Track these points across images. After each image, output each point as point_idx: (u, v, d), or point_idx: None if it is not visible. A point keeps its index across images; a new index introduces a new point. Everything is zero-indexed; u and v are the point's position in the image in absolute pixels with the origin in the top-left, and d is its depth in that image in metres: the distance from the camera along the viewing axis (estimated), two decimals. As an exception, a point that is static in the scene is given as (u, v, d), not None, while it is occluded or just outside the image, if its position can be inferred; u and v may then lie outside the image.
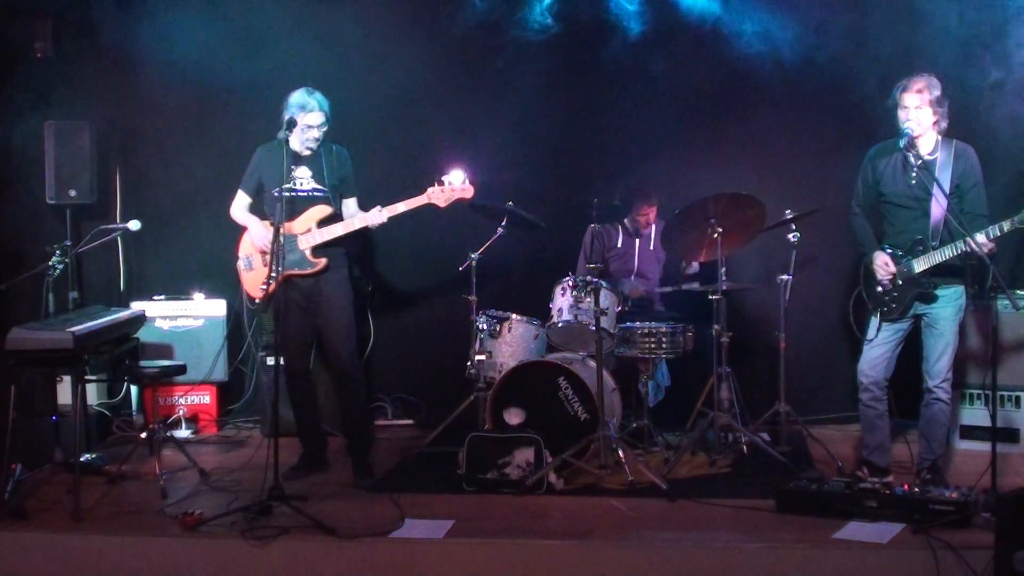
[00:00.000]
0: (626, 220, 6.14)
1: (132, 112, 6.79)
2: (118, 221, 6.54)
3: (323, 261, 5.37)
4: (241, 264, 5.53)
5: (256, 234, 5.42)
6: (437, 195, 5.36)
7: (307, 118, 5.26)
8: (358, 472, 5.42)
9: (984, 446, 5.08)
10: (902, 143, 4.74)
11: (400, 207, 5.37)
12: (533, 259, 6.46)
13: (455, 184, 5.37)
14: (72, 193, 6.44)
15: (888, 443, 5.06)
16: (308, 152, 5.40)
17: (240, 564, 4.35)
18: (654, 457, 5.52)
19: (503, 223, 5.75)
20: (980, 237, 4.52)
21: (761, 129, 6.46)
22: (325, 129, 5.36)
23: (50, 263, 5.54)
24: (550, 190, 6.44)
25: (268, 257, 5.22)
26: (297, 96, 5.28)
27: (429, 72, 6.61)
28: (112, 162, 6.78)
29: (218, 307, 6.63)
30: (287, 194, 5.31)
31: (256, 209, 5.53)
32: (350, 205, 5.53)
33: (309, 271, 5.37)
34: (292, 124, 5.15)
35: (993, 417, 4.71)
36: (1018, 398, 5.64)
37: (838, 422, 6.24)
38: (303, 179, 5.39)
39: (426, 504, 4.82)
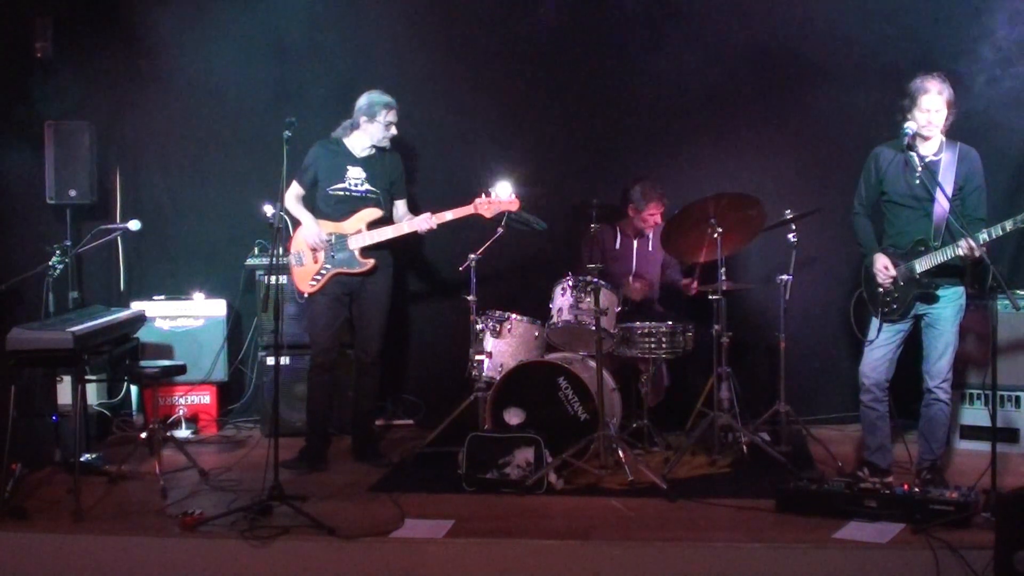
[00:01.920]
0: (624, 221, 6.12)
1: (132, 112, 6.78)
2: (118, 221, 6.53)
3: (371, 262, 5.52)
4: (292, 259, 5.63)
5: (308, 231, 5.54)
6: (483, 206, 5.53)
7: (390, 114, 5.51)
8: (370, 456, 5.61)
9: (984, 446, 5.08)
10: (904, 142, 4.74)
11: (448, 215, 5.55)
12: (533, 259, 6.45)
13: (501, 196, 5.54)
14: (72, 193, 6.43)
15: (889, 444, 5.06)
16: (370, 152, 5.57)
17: (240, 564, 4.35)
18: (654, 457, 5.53)
19: (503, 223, 5.76)
20: (982, 237, 4.53)
21: (762, 129, 6.46)
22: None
23: (50, 263, 5.55)
24: (550, 190, 6.43)
25: (318, 254, 5.49)
26: (374, 95, 5.52)
27: (427, 72, 6.61)
28: (112, 162, 6.77)
29: (218, 307, 6.62)
30: (341, 193, 5.53)
31: (308, 204, 5.66)
32: (400, 207, 5.72)
33: (358, 270, 5.52)
34: (355, 127, 5.49)
35: (993, 417, 4.70)
36: (1018, 398, 5.65)
37: (838, 422, 6.24)
38: (358, 180, 5.55)
39: (426, 504, 4.82)
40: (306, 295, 5.62)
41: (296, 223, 5.66)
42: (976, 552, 3.94)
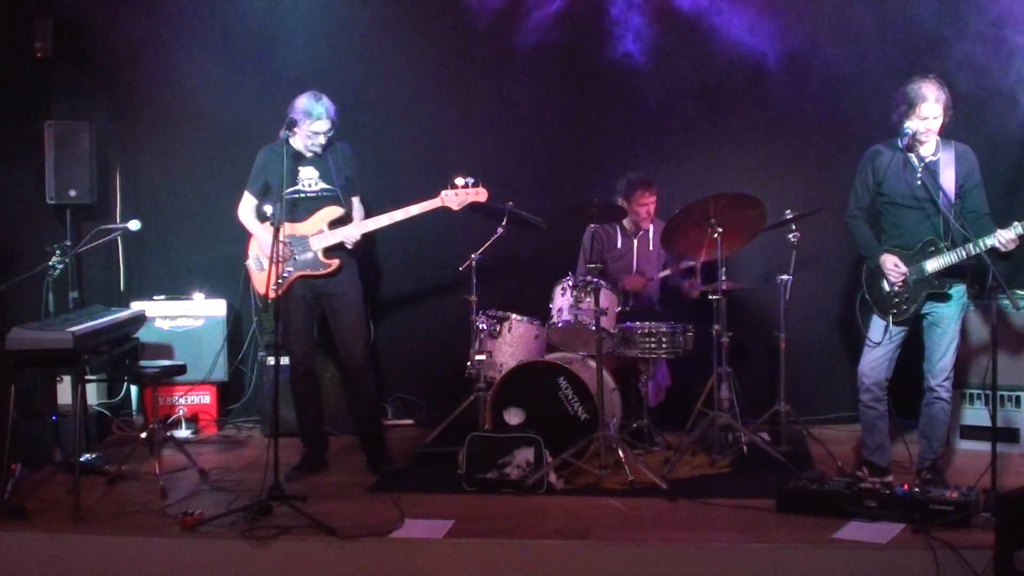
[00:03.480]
0: (625, 220, 6.12)
1: (132, 112, 6.79)
2: (118, 221, 6.54)
3: (336, 262, 5.38)
4: (252, 264, 5.53)
5: (264, 240, 5.37)
6: (451, 198, 5.39)
7: (314, 125, 5.23)
8: (376, 462, 5.50)
9: (984, 446, 5.08)
10: (902, 143, 4.73)
11: (414, 209, 5.39)
12: (533, 259, 6.46)
13: (468, 187, 5.40)
14: (72, 193, 6.43)
15: (888, 443, 5.05)
16: (312, 153, 5.41)
17: (240, 564, 4.35)
18: (654, 457, 5.53)
19: (503, 223, 5.76)
20: (1010, 233, 4.51)
21: (761, 129, 6.47)
22: (331, 135, 5.35)
23: (50, 263, 5.55)
24: (550, 190, 6.44)
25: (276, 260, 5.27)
26: (304, 102, 5.23)
27: (430, 72, 6.62)
28: (112, 162, 6.78)
29: (218, 307, 6.62)
30: (296, 195, 5.33)
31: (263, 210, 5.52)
32: (356, 204, 5.55)
33: (322, 272, 5.38)
34: (292, 124, 5.12)
35: (993, 417, 4.70)
36: (1018, 398, 5.65)
37: (838, 422, 6.24)
38: (310, 180, 5.38)
39: (426, 504, 4.82)
40: (270, 300, 5.32)
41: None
42: (976, 552, 3.94)
